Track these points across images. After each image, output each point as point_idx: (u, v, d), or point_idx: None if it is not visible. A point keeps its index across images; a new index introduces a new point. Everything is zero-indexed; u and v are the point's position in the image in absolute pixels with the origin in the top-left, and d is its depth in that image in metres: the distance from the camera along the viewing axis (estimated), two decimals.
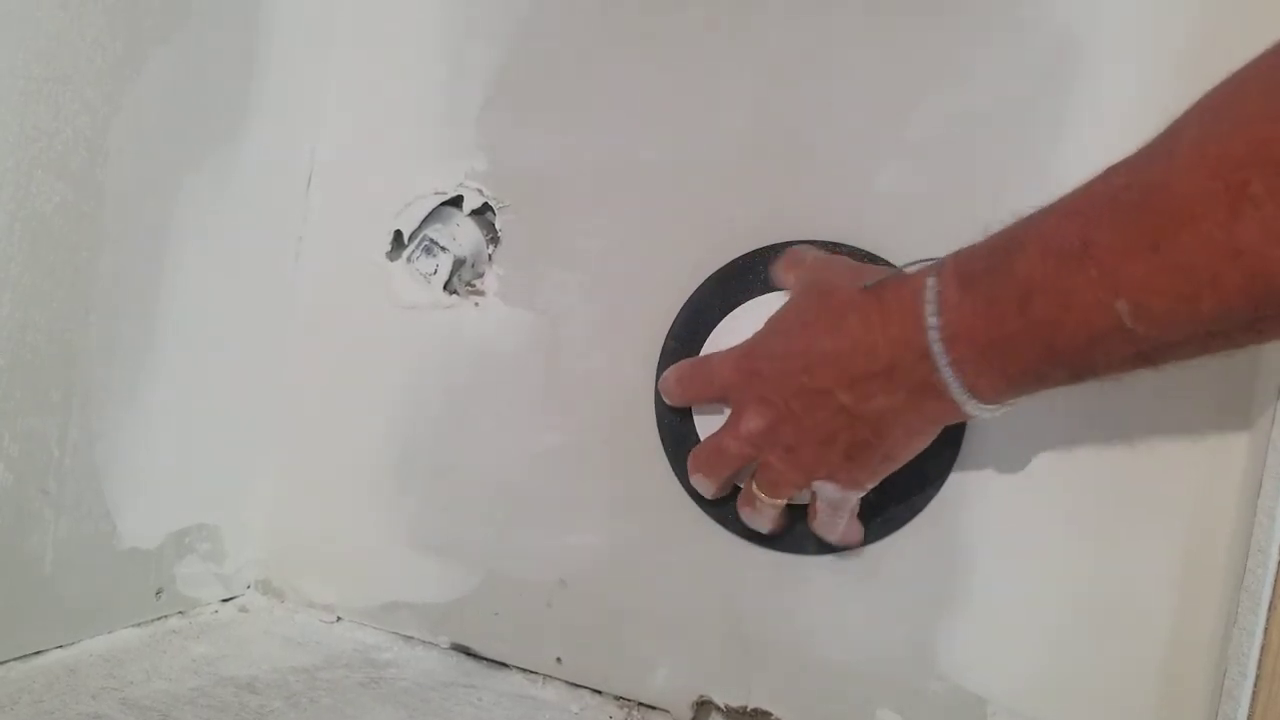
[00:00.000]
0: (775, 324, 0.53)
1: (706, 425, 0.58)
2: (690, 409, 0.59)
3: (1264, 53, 0.36)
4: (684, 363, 0.59)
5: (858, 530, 0.55)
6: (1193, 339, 0.38)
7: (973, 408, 0.45)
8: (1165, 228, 0.36)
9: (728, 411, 0.55)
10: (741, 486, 0.57)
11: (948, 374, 0.44)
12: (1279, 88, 0.34)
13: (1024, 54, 0.55)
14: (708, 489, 0.57)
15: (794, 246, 0.58)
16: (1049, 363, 0.42)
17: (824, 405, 0.48)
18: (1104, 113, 0.53)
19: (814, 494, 0.53)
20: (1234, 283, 0.35)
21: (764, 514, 0.55)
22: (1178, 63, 0.52)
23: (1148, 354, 0.40)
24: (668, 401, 0.59)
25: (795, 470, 0.52)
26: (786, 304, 0.54)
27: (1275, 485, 0.46)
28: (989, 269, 0.43)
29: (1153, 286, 0.37)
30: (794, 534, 0.58)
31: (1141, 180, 0.38)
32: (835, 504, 0.53)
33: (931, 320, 0.43)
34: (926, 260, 0.47)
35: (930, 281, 0.44)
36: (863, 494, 0.53)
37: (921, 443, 0.50)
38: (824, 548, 0.57)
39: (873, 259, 0.56)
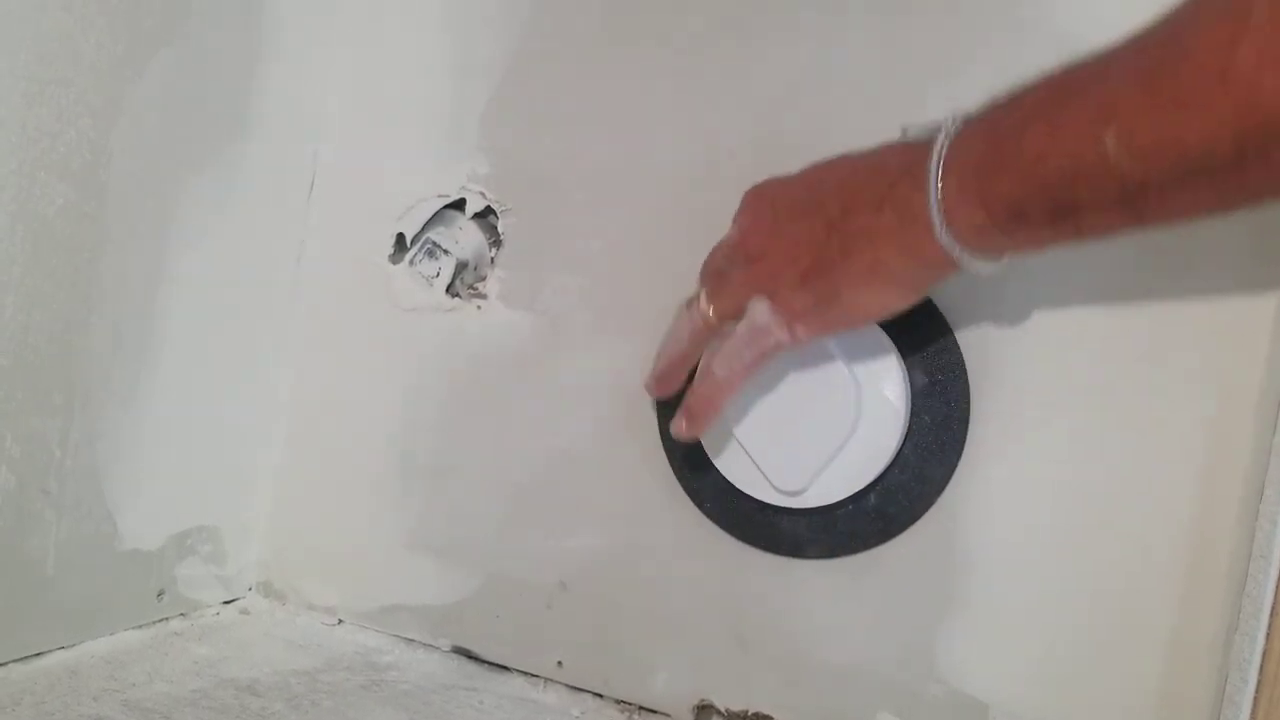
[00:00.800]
0: (818, 163, 0.52)
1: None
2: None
3: None
4: None
5: (710, 416, 0.53)
6: (1177, 180, 0.37)
7: (947, 239, 0.43)
8: (1166, 58, 0.36)
9: (732, 405, 0.54)
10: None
11: (931, 189, 0.43)
12: None
13: (1024, 54, 0.55)
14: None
15: None
16: (1029, 194, 0.41)
17: (811, 216, 0.48)
18: None
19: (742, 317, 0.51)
20: (1222, 111, 0.34)
21: (691, 320, 0.53)
22: None
23: (1132, 199, 0.38)
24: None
25: (746, 280, 0.50)
26: None
27: (1277, 492, 0.46)
28: (999, 103, 0.43)
29: (1143, 115, 0.36)
30: (794, 537, 0.58)
31: (1162, 20, 0.37)
32: (755, 331, 0.50)
33: (940, 147, 0.43)
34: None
35: (954, 115, 0.44)
36: (788, 337, 0.50)
37: (878, 292, 0.47)
38: (822, 551, 0.58)
39: None
